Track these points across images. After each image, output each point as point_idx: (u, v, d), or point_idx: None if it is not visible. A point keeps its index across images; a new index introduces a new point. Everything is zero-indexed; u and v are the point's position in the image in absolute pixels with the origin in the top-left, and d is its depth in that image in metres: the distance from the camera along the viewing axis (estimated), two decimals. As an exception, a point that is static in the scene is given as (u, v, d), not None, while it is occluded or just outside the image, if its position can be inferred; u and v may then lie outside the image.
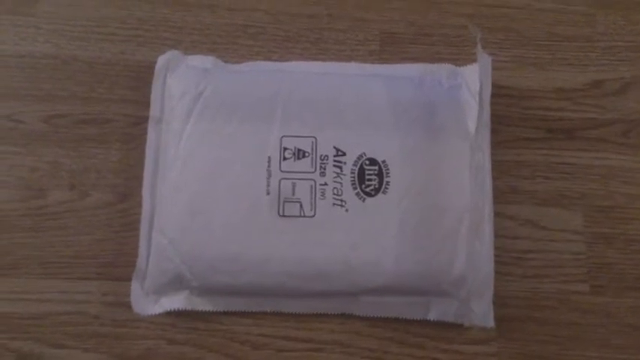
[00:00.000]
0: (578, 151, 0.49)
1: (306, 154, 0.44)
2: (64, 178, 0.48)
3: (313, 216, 0.43)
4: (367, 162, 0.44)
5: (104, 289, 0.46)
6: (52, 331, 0.45)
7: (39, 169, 0.48)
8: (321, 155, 0.44)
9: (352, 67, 0.50)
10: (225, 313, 0.45)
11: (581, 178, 0.49)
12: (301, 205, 0.44)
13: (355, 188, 0.44)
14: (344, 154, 0.44)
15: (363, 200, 0.44)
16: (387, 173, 0.44)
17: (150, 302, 0.45)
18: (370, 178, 0.44)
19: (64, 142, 0.48)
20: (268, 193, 0.43)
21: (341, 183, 0.44)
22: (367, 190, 0.44)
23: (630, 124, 0.50)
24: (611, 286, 0.47)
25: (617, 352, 0.46)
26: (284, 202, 0.43)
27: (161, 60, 0.48)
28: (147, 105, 0.47)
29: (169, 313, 0.45)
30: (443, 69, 0.49)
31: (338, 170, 0.44)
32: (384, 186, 0.44)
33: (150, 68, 0.48)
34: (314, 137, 0.44)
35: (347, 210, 0.43)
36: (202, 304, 0.45)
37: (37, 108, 0.49)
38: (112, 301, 0.46)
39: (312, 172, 0.44)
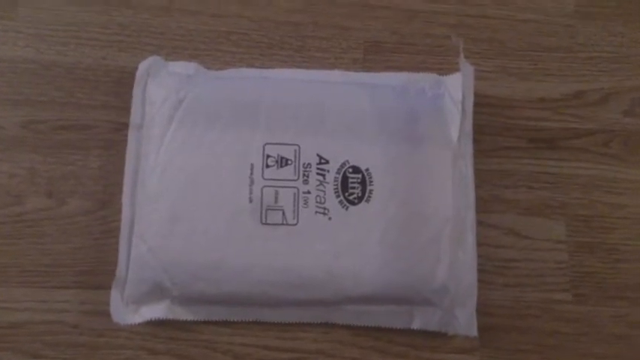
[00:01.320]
0: (560, 161, 0.50)
1: (289, 162, 0.44)
2: (42, 185, 0.47)
3: (296, 224, 0.43)
4: (350, 170, 0.44)
5: (83, 298, 0.45)
6: (30, 340, 0.44)
7: (16, 175, 0.47)
8: (304, 163, 0.44)
9: (336, 75, 0.50)
10: (207, 323, 0.45)
11: (563, 187, 0.49)
12: (284, 213, 0.43)
13: (338, 196, 0.44)
14: (327, 161, 0.44)
15: (346, 209, 0.43)
16: (371, 181, 0.44)
17: (130, 311, 0.44)
18: (353, 186, 0.44)
19: (43, 148, 0.47)
20: (251, 201, 0.43)
21: (324, 191, 0.44)
22: (350, 198, 0.44)
23: (611, 134, 0.51)
24: (594, 294, 0.47)
25: (598, 360, 0.46)
26: (266, 209, 0.43)
27: (142, 66, 0.47)
28: (127, 111, 0.46)
29: (150, 323, 0.44)
30: (426, 78, 0.49)
31: (321, 178, 0.44)
32: (367, 194, 0.44)
33: (131, 74, 0.47)
34: (297, 145, 0.44)
35: (330, 218, 0.43)
36: (183, 314, 0.44)
37: (15, 113, 0.48)
38: (91, 310, 0.45)
39: (295, 180, 0.44)
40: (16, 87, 0.49)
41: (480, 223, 0.46)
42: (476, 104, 0.46)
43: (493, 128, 0.50)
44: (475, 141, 0.46)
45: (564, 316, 0.47)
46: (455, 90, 0.46)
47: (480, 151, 0.49)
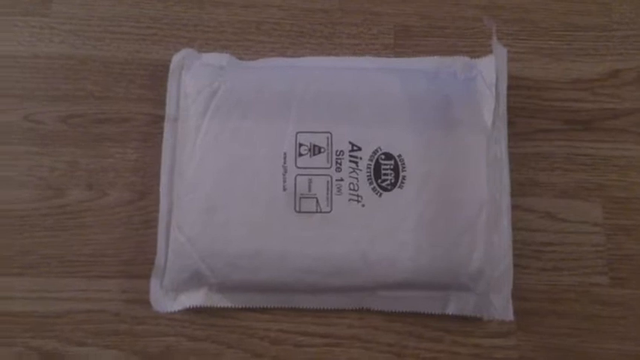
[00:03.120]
0: (597, 142, 0.49)
1: (322, 150, 0.44)
2: (83, 178, 0.48)
3: (330, 211, 0.43)
4: (383, 156, 0.44)
5: (124, 287, 0.46)
6: (73, 329, 0.46)
7: (58, 168, 0.48)
8: (337, 150, 0.44)
9: (366, 62, 0.49)
10: (244, 310, 0.46)
11: (600, 169, 0.48)
12: (317, 201, 0.44)
13: (371, 183, 0.44)
14: (359, 149, 0.44)
15: (380, 195, 0.43)
16: (403, 167, 0.44)
17: (169, 299, 0.45)
18: (386, 172, 0.44)
19: (82, 142, 0.49)
20: (285, 190, 0.43)
21: (357, 178, 0.44)
22: (383, 184, 0.44)
23: (649, 114, 0.50)
24: (632, 277, 0.47)
25: (638, 344, 0.46)
26: (300, 198, 0.44)
27: (176, 58, 0.48)
28: (163, 103, 0.47)
29: (188, 310, 0.45)
30: (458, 61, 0.48)
31: (354, 165, 0.44)
32: (400, 180, 0.44)
33: (165, 67, 0.48)
34: (329, 132, 0.44)
35: (363, 205, 0.43)
36: (221, 301, 0.45)
37: (54, 108, 0.49)
38: (131, 299, 0.46)
39: (328, 168, 0.44)
40: (54, 83, 0.50)
41: (515, 207, 0.45)
42: (509, 86, 0.45)
43: (528, 110, 0.50)
44: (509, 124, 0.46)
45: (602, 300, 0.46)
46: (488, 73, 0.46)
47: (515, 134, 0.48)
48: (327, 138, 0.44)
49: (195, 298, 0.45)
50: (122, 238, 0.47)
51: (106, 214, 0.47)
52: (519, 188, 0.48)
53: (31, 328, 0.45)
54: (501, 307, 0.43)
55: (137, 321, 0.46)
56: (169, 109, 0.47)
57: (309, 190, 0.44)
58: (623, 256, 0.47)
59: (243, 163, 0.44)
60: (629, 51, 0.51)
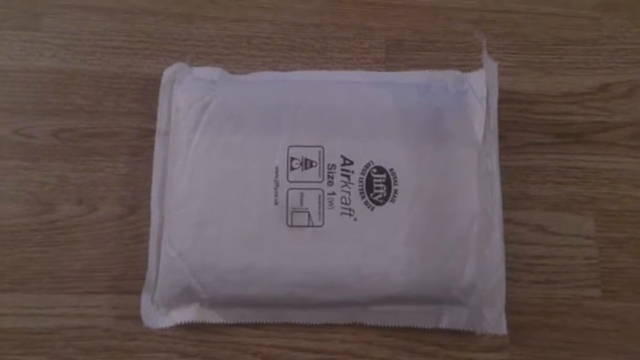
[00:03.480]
0: (588, 155, 0.49)
1: (314, 164, 0.44)
2: (73, 192, 0.48)
3: (322, 225, 0.43)
4: (375, 170, 0.44)
5: (114, 303, 0.46)
6: (64, 345, 0.45)
7: (47, 183, 0.48)
8: (329, 164, 0.44)
9: (358, 76, 0.50)
10: (236, 325, 0.45)
11: (591, 182, 0.49)
12: (310, 215, 0.43)
13: (363, 197, 0.44)
14: (351, 162, 0.44)
15: (372, 209, 0.43)
16: (395, 181, 0.44)
17: (160, 315, 0.44)
18: (378, 186, 0.44)
19: (72, 156, 0.48)
20: (276, 204, 0.43)
21: (349, 192, 0.44)
22: (375, 198, 0.44)
23: (639, 127, 0.50)
24: (624, 290, 0.47)
25: (632, 357, 0.46)
26: (292, 212, 0.43)
27: (167, 72, 0.48)
28: (154, 117, 0.47)
29: (180, 326, 0.45)
30: (449, 75, 0.49)
31: (346, 179, 0.44)
32: (392, 194, 0.44)
33: (156, 81, 0.48)
34: (321, 147, 0.44)
35: (355, 219, 0.43)
36: (213, 317, 0.45)
37: (44, 122, 0.49)
38: (122, 315, 0.46)
39: (320, 182, 0.44)
40: (44, 97, 0.50)
41: (507, 220, 0.45)
42: (501, 100, 0.45)
43: (519, 124, 0.50)
44: (500, 137, 0.46)
45: (594, 313, 0.46)
46: (479, 86, 0.46)
47: (506, 148, 0.48)
48: (319, 152, 0.44)
49: (186, 314, 0.44)
50: (113, 253, 0.47)
51: (96, 228, 0.47)
52: (511, 201, 0.48)
53: (21, 344, 0.45)
54: (494, 321, 0.43)
55: (128, 337, 0.45)
56: (160, 123, 0.47)
57: (301, 204, 0.44)
58: (616, 269, 0.47)
59: (234, 177, 0.44)
60: (620, 65, 0.52)
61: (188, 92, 0.46)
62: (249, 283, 0.43)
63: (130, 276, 0.46)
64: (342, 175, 0.44)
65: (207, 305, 0.44)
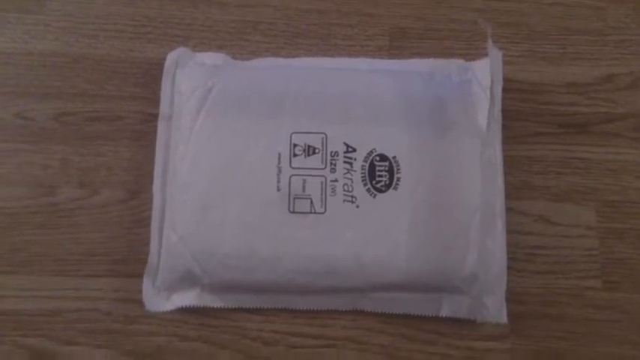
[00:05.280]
0: (591, 146, 0.49)
1: (317, 151, 0.44)
2: (74, 176, 0.48)
3: (324, 212, 0.43)
4: (377, 158, 0.44)
5: (116, 286, 0.46)
6: (64, 327, 0.45)
7: (50, 166, 0.48)
8: (332, 151, 0.44)
9: (361, 63, 0.49)
10: (237, 310, 0.45)
11: (593, 173, 0.49)
12: (312, 202, 0.43)
13: (366, 184, 0.44)
14: (354, 150, 0.44)
15: (374, 196, 0.43)
16: (398, 169, 0.44)
17: (161, 299, 0.45)
18: (381, 174, 0.44)
19: (74, 140, 0.48)
20: (279, 190, 0.43)
21: (351, 179, 0.44)
22: (378, 186, 0.44)
23: (643, 119, 0.50)
24: (625, 281, 0.47)
25: (632, 348, 0.46)
26: (294, 198, 0.43)
27: (170, 57, 0.48)
28: (156, 102, 0.47)
29: (181, 310, 0.45)
30: (453, 64, 0.48)
31: (348, 166, 0.44)
32: (394, 182, 0.44)
33: (159, 65, 0.48)
34: (324, 133, 0.44)
35: (357, 206, 0.43)
36: (213, 301, 0.45)
37: (47, 106, 0.49)
38: (123, 298, 0.46)
39: (323, 169, 0.44)
40: (47, 80, 0.50)
41: (509, 209, 0.45)
42: (504, 90, 0.45)
43: (522, 114, 0.50)
44: (504, 127, 0.46)
45: (595, 303, 0.46)
46: (483, 75, 0.46)
47: (509, 137, 0.48)
48: (322, 139, 0.44)
49: (187, 298, 0.45)
50: (114, 236, 0.47)
51: (97, 212, 0.47)
52: (513, 191, 0.48)
53: (21, 326, 0.45)
54: (495, 310, 0.43)
55: (129, 320, 0.45)
56: (163, 108, 0.46)
57: (304, 190, 0.44)
58: (617, 260, 0.47)
59: (237, 162, 0.44)
60: (624, 56, 0.51)
61: (191, 77, 0.46)
62: (251, 268, 0.43)
63: (131, 260, 0.46)
64: (345, 162, 0.44)
65: (208, 290, 0.44)
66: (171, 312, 0.45)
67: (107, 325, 0.45)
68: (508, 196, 0.45)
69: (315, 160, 0.44)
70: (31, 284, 0.46)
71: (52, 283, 0.46)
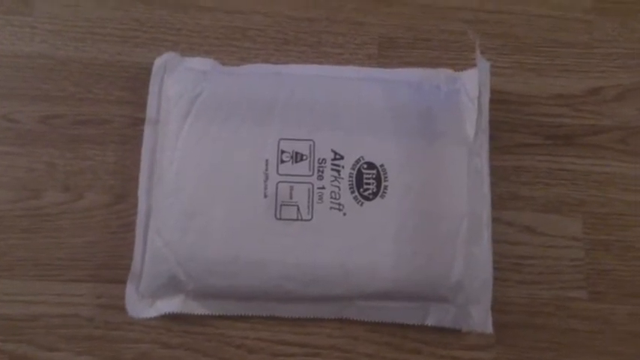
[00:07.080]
0: (577, 158, 0.49)
1: (304, 158, 0.44)
2: (59, 179, 0.47)
3: (310, 219, 0.43)
4: (365, 166, 0.44)
5: (98, 292, 0.45)
6: (46, 333, 0.45)
7: (35, 169, 0.47)
8: (319, 159, 0.44)
9: (350, 71, 0.49)
10: (221, 317, 0.45)
11: (580, 184, 0.49)
12: (298, 209, 0.43)
13: (353, 192, 0.43)
14: (342, 157, 0.44)
15: (361, 204, 0.43)
16: (385, 177, 0.44)
17: (145, 305, 0.44)
18: (368, 182, 0.44)
19: (60, 143, 0.48)
20: (265, 196, 0.43)
21: (339, 187, 0.44)
22: (365, 194, 0.43)
23: (628, 131, 0.50)
24: (610, 292, 0.47)
25: (616, 359, 0.46)
26: (281, 205, 0.43)
27: (158, 61, 0.48)
28: (143, 106, 0.47)
29: (164, 317, 0.44)
30: (441, 74, 0.49)
31: (336, 174, 0.44)
32: (382, 190, 0.44)
33: (147, 70, 0.48)
34: (312, 140, 0.44)
35: (345, 214, 0.43)
36: (198, 308, 0.44)
37: (33, 108, 0.48)
38: (106, 304, 0.45)
39: (310, 176, 0.44)
40: (34, 82, 0.49)
41: (495, 220, 0.45)
42: (492, 100, 0.45)
43: (509, 125, 0.50)
44: (491, 137, 0.46)
45: (580, 314, 0.46)
46: (471, 86, 0.46)
47: (496, 148, 0.49)
48: (310, 146, 0.44)
49: (171, 305, 0.44)
50: (98, 241, 0.46)
51: (82, 216, 0.47)
52: (500, 201, 0.48)
53: (2, 331, 0.44)
54: (480, 320, 0.43)
55: (111, 327, 0.45)
56: (150, 112, 0.46)
57: (291, 197, 0.43)
58: (602, 271, 0.47)
59: (224, 168, 0.43)
60: (611, 68, 0.52)
61: (179, 82, 0.46)
62: (236, 274, 0.43)
63: (115, 265, 0.46)
64: (333, 169, 0.44)
65: (193, 296, 0.44)
66: (155, 319, 0.44)
67: (89, 332, 0.45)
68: (495, 205, 0.45)
69: (302, 167, 0.44)
70: (13, 289, 0.45)
71: (34, 287, 0.45)
